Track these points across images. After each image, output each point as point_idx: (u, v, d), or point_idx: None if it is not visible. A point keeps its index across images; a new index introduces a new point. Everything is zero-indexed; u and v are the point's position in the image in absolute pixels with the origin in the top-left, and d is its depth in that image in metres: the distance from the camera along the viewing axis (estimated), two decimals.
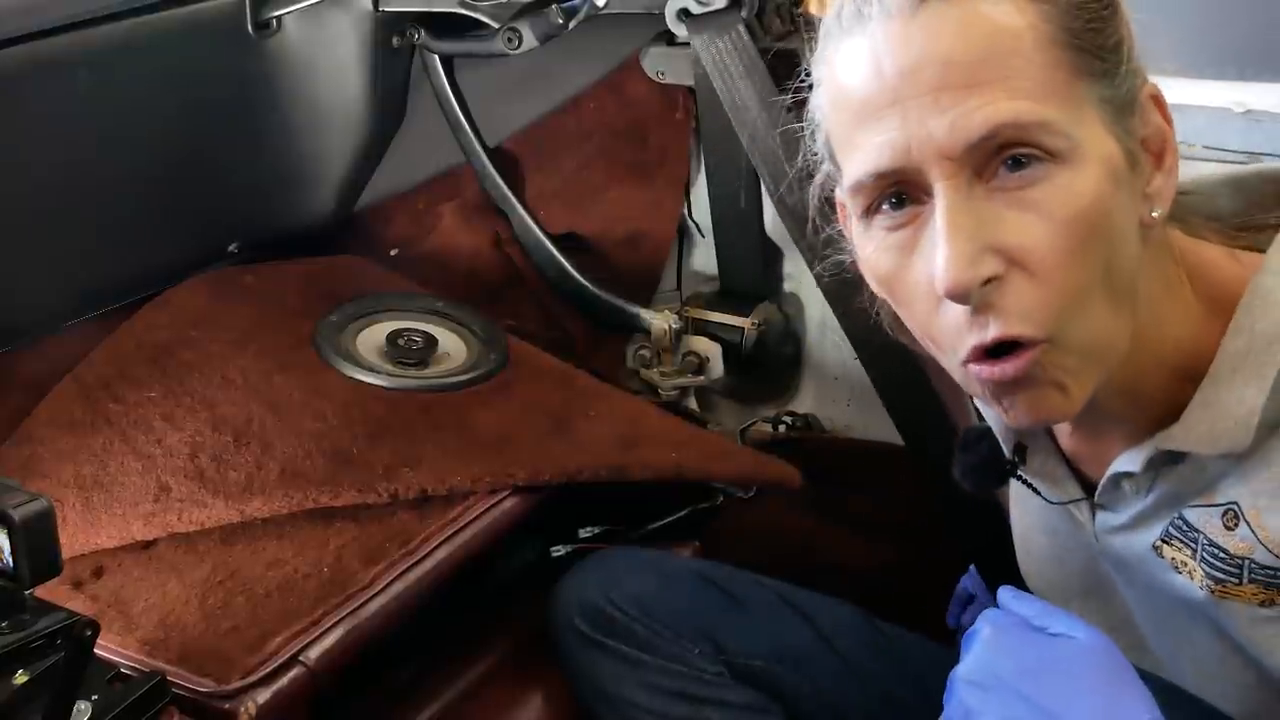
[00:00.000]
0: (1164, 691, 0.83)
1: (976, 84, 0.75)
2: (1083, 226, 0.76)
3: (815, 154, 0.88)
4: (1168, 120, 0.83)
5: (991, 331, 0.77)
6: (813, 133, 0.88)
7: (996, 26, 0.76)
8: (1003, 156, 0.76)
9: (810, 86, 0.86)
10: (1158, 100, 0.83)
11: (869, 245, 0.83)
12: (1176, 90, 1.36)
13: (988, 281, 0.76)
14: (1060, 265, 0.76)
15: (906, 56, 0.76)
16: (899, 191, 0.79)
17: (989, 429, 0.99)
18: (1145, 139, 0.81)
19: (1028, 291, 0.76)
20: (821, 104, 0.85)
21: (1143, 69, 0.82)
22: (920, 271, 0.79)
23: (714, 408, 1.85)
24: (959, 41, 0.76)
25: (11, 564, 0.87)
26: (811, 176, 0.91)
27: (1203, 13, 1.41)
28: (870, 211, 0.81)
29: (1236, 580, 0.84)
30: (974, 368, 0.79)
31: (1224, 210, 0.92)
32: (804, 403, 1.83)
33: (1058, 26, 0.77)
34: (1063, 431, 0.95)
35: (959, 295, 0.76)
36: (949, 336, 0.80)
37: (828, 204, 0.93)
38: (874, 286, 0.86)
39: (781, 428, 1.81)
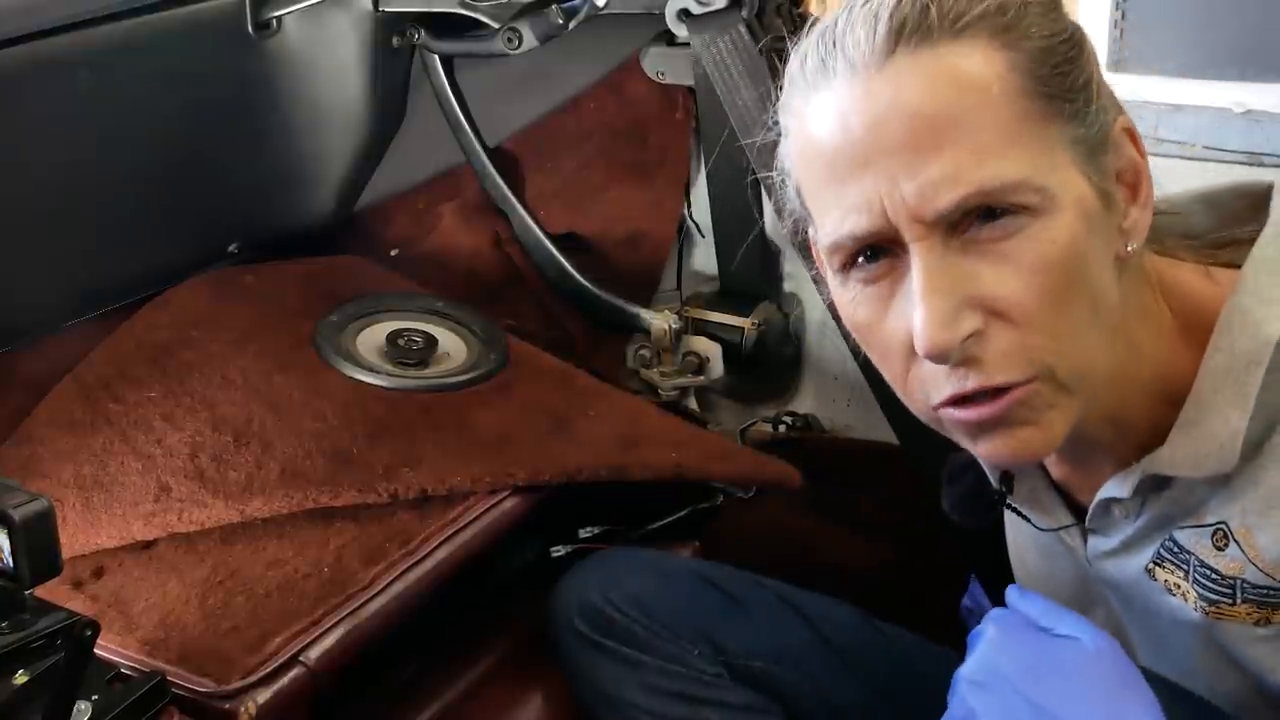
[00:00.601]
0: (1174, 693, 0.83)
1: (944, 144, 0.75)
2: (1060, 273, 0.76)
3: (788, 200, 0.88)
4: (1141, 153, 0.83)
5: (971, 383, 0.77)
6: (783, 181, 0.87)
7: (964, 80, 0.76)
8: (976, 213, 0.76)
9: (779, 133, 0.86)
10: (1130, 133, 0.82)
11: (845, 295, 0.83)
12: (1176, 90, 1.36)
13: (968, 337, 0.76)
14: (1040, 312, 0.76)
15: (873, 113, 0.76)
16: (874, 246, 0.79)
17: (974, 459, 0.98)
18: (1119, 172, 0.81)
19: (1008, 339, 0.76)
20: (790, 154, 0.85)
21: (1114, 103, 0.82)
22: (896, 325, 0.79)
23: (714, 408, 1.85)
24: (926, 97, 0.75)
25: (11, 564, 0.87)
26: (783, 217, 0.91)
27: (1203, 13, 1.41)
28: (846, 266, 0.81)
29: (1230, 601, 0.83)
30: (951, 412, 0.80)
31: (1198, 228, 0.91)
32: (804, 403, 1.83)
33: (1025, 74, 0.76)
34: (1050, 460, 0.95)
35: (939, 356, 0.76)
36: (925, 386, 0.80)
37: (802, 248, 0.93)
38: (851, 332, 0.86)
39: (781, 428, 1.81)
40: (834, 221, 0.79)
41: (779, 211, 0.91)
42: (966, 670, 0.83)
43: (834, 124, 0.78)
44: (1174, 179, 0.94)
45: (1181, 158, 1.38)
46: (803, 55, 0.82)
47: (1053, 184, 0.76)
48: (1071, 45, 0.79)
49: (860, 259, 0.80)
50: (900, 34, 0.76)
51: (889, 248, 0.79)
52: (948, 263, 0.76)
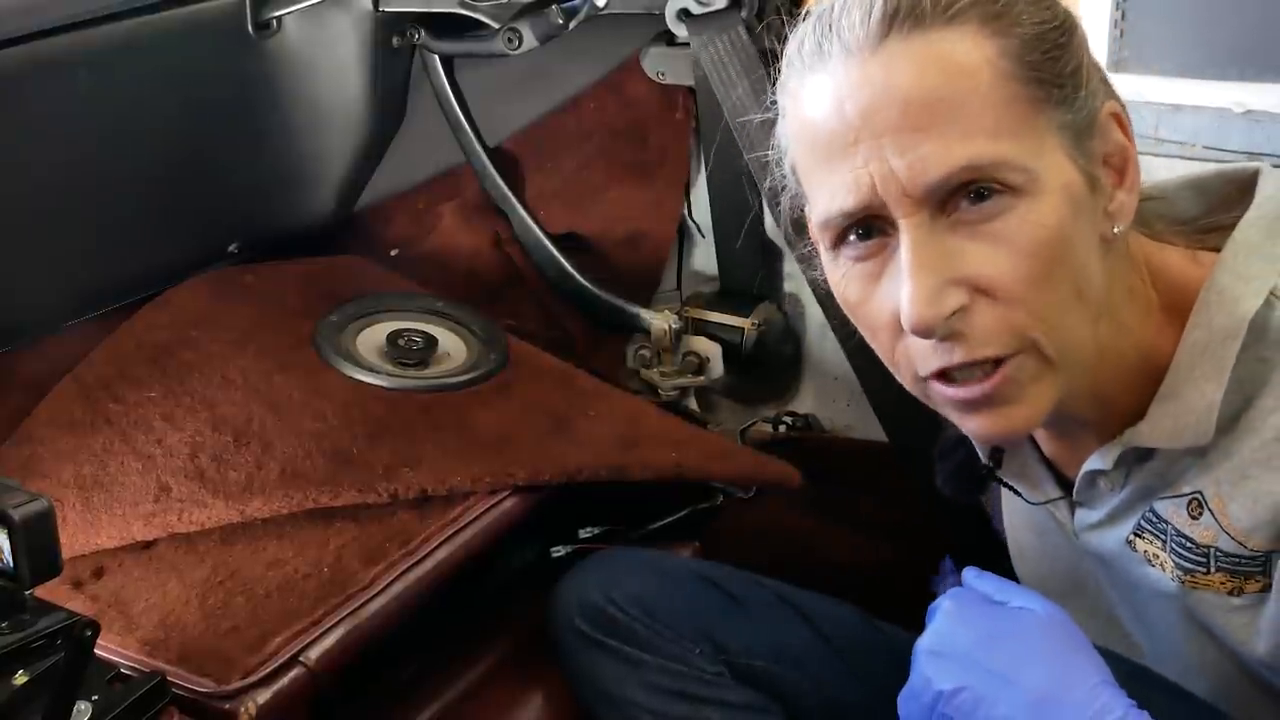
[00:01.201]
0: (1136, 673, 0.85)
1: (934, 125, 0.77)
2: (1045, 254, 0.78)
3: (784, 177, 0.90)
4: (1129, 138, 0.85)
5: (957, 356, 0.80)
6: (779, 160, 0.90)
7: (954, 65, 0.77)
8: (964, 191, 0.78)
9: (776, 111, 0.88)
10: (1119, 118, 0.84)
11: (837, 272, 0.85)
12: (1176, 90, 1.37)
13: (953, 314, 0.78)
14: (1025, 290, 0.78)
15: (867, 96, 0.78)
16: (866, 224, 0.81)
17: (964, 436, 0.99)
18: (1106, 155, 0.83)
19: (992, 315, 0.79)
20: (787, 133, 0.87)
21: (1103, 88, 0.84)
22: (885, 301, 0.82)
23: (714, 408, 1.85)
24: (917, 81, 0.77)
25: (11, 564, 0.87)
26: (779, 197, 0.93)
27: (1203, 13, 1.41)
28: (838, 243, 0.84)
29: (1204, 570, 0.86)
30: (938, 386, 0.82)
31: (1186, 213, 0.93)
32: (804, 403, 1.83)
33: (1015, 60, 0.78)
34: (1041, 435, 0.97)
35: (924, 331, 0.79)
36: (912, 359, 0.83)
37: (797, 224, 0.95)
38: (841, 308, 0.88)
39: (781, 428, 1.81)
40: (826, 199, 0.82)
41: (773, 193, 0.93)
42: (924, 642, 0.87)
43: (828, 106, 0.80)
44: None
45: (1181, 158, 1.38)
46: (800, 38, 0.84)
47: (1039, 167, 0.78)
48: (1062, 32, 0.81)
49: (851, 237, 0.82)
50: (894, 19, 0.78)
51: (880, 226, 0.81)
52: (935, 240, 0.78)
